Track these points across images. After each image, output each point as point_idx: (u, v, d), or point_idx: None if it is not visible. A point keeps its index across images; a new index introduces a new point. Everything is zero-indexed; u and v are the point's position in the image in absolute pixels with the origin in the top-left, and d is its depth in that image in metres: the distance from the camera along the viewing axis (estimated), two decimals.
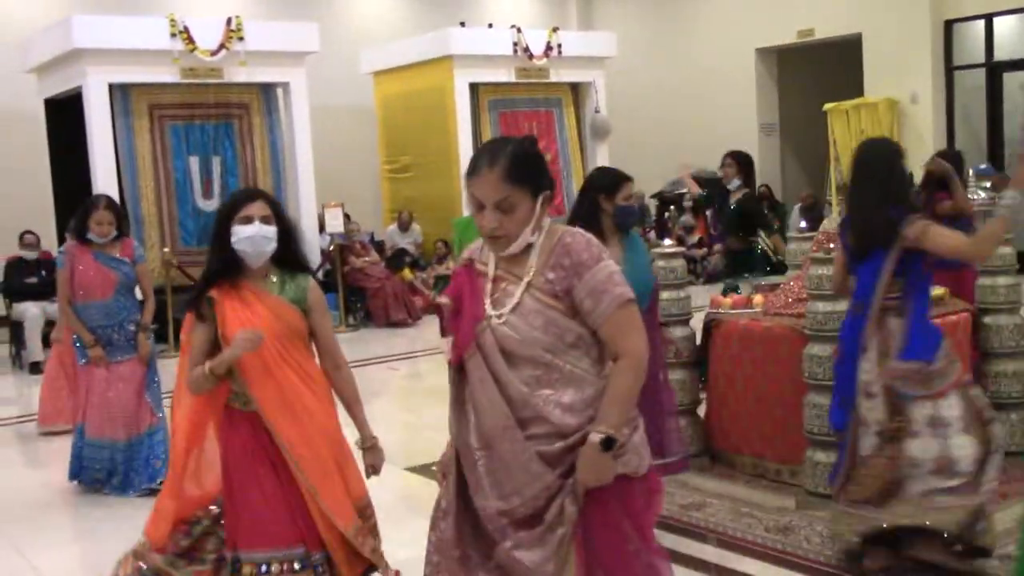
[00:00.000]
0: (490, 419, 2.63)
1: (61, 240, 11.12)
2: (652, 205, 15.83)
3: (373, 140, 14.79)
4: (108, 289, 5.70)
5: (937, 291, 5.22)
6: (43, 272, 10.27)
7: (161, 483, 5.41)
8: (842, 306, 4.58)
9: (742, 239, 7.90)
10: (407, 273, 12.67)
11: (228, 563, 3.31)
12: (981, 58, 13.67)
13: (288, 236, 3.37)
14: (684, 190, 15.58)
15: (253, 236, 3.26)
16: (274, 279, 3.36)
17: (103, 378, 5.73)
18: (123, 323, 5.75)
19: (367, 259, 12.36)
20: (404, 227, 13.73)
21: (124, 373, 5.75)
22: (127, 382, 5.75)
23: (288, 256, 3.38)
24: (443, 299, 2.73)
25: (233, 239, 3.26)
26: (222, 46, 11.20)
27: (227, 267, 3.30)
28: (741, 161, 7.67)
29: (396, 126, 14.38)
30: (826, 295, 4.61)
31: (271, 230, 3.30)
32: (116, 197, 10.42)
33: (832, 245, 4.67)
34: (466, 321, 2.67)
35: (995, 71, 13.64)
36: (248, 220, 3.27)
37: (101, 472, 5.80)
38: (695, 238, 14.60)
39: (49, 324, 9.88)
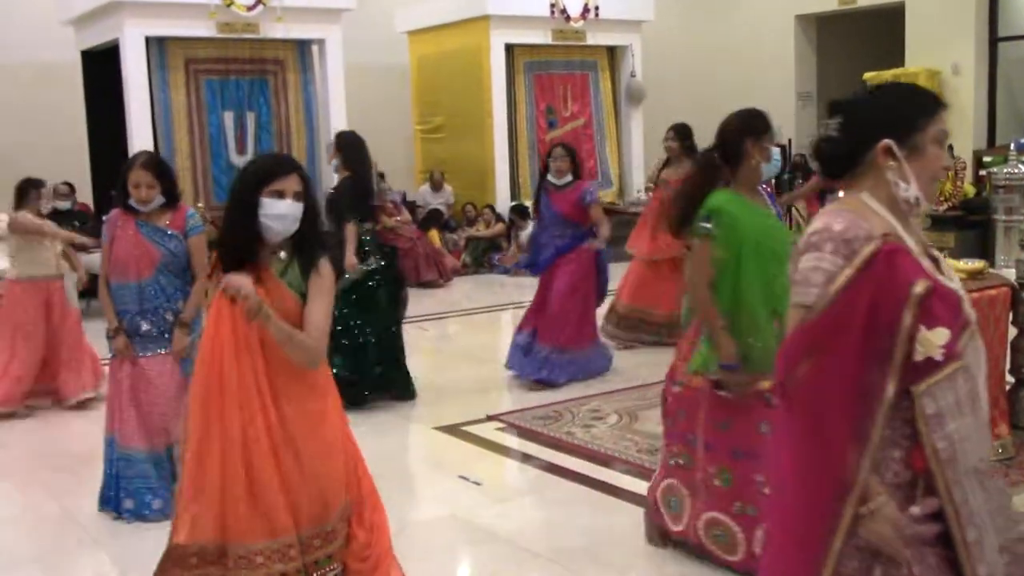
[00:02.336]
0: (982, 445, 2.12)
1: (96, 193, 11.21)
2: None
3: (407, 100, 14.75)
4: (146, 268, 4.68)
5: (977, 264, 5.16)
6: (76, 223, 10.35)
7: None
8: None
9: None
10: (434, 236, 12.68)
11: None
12: None
13: (309, 215, 3.05)
14: None
15: (285, 215, 2.97)
16: (282, 256, 3.03)
17: (128, 375, 4.77)
18: (158, 309, 4.71)
19: (399, 219, 12.37)
20: (437, 187, 13.71)
21: (153, 371, 4.74)
22: (156, 381, 4.75)
23: (304, 236, 3.05)
24: (922, 286, 2.03)
25: (261, 212, 2.95)
26: (259, 1, 11.16)
27: (250, 240, 3.00)
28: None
29: (430, 86, 14.32)
30: None
31: (300, 209, 3.00)
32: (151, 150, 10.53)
33: None
34: (962, 315, 2.10)
35: None
36: (281, 195, 2.97)
37: (145, 492, 4.74)
38: None
39: (90, 277, 9.96)
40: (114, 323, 4.73)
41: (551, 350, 6.80)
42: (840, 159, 2.24)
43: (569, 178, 6.83)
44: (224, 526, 2.93)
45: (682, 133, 7.85)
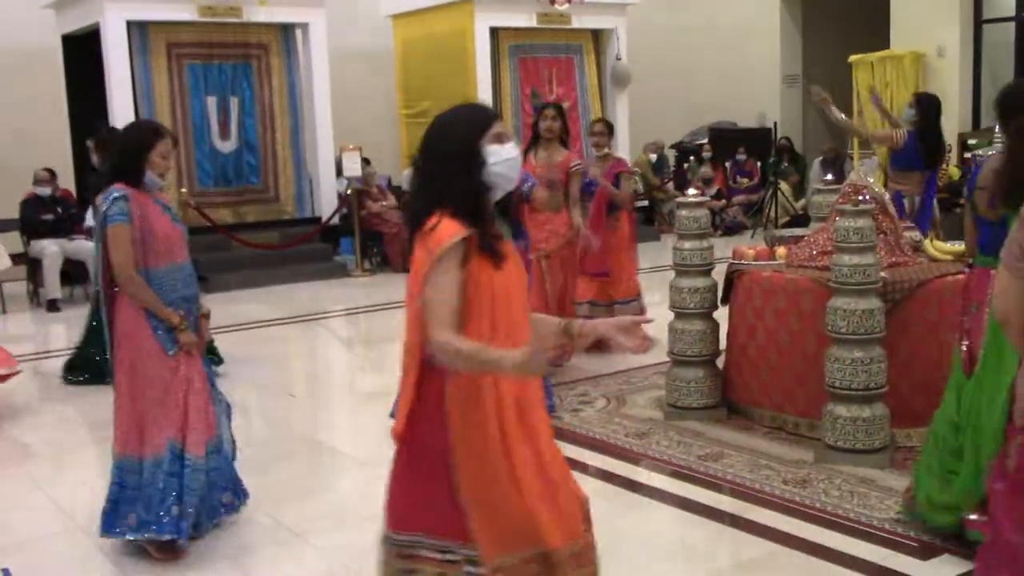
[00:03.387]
0: None
1: (79, 179, 11.09)
2: (671, 156, 15.70)
3: (391, 84, 14.67)
4: (182, 248, 4.16)
5: (962, 247, 5.15)
6: (59, 209, 10.27)
7: (166, 541, 4.00)
8: (868, 259, 4.54)
9: None
10: None
11: None
12: (1011, 11, 13.42)
13: None
14: (703, 140, 15.49)
15: (514, 158, 2.52)
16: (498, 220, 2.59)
17: (195, 373, 4.14)
18: (195, 296, 4.24)
19: (384, 203, 12.32)
20: None
21: (196, 366, 4.17)
22: (199, 378, 4.18)
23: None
24: None
25: (491, 160, 2.48)
26: None
27: (485, 201, 2.51)
28: None
29: (415, 70, 14.25)
30: (853, 248, 4.55)
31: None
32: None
33: (860, 197, 4.60)
34: None
35: None
36: (502, 139, 2.51)
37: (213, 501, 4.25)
38: (713, 190, 14.48)
39: (68, 262, 9.94)
40: (175, 316, 4.04)
41: None
42: None
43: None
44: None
45: (564, 113, 6.98)
